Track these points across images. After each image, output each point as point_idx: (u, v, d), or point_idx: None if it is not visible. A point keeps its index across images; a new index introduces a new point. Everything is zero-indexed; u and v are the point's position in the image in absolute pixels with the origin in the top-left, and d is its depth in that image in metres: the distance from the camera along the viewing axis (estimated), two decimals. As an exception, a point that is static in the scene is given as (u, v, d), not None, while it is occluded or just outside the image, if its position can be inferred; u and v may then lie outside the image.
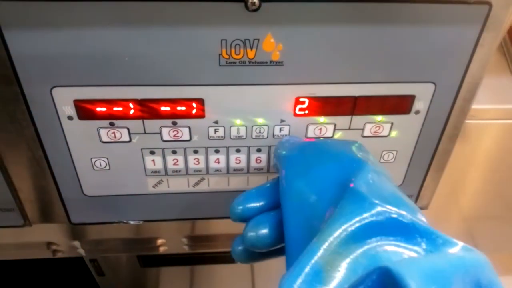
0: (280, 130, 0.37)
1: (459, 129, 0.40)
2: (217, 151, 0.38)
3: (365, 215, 0.23)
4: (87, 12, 0.29)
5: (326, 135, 0.38)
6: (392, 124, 0.38)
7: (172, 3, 0.29)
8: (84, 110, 0.34)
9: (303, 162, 0.30)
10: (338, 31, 0.32)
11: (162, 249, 0.54)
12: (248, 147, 0.38)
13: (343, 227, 0.22)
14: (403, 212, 0.23)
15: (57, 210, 0.41)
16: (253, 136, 0.37)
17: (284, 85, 0.34)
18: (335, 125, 0.37)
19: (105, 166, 0.38)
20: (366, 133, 0.38)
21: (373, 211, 0.23)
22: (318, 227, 0.24)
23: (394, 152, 0.40)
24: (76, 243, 0.52)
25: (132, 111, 0.34)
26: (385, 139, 0.39)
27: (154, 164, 0.38)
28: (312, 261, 0.22)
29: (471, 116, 0.50)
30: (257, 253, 0.32)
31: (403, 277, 0.18)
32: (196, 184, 0.41)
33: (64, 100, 0.33)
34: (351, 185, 0.25)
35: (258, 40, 0.31)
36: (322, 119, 0.37)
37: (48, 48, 0.30)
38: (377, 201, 0.23)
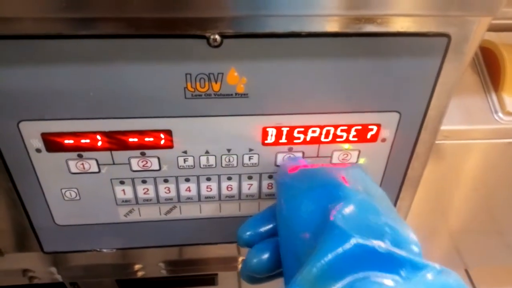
0: (250, 158, 0.38)
1: (427, 155, 0.41)
2: (187, 180, 0.38)
3: (340, 249, 0.23)
4: (51, 48, 0.30)
5: (295, 163, 0.38)
6: (359, 151, 0.38)
7: (136, 40, 0.30)
8: (52, 143, 0.34)
9: (295, 189, 0.31)
10: (301, 65, 0.32)
11: (140, 274, 0.54)
12: (219, 176, 0.39)
13: (322, 262, 0.23)
14: (380, 243, 0.24)
15: (29, 239, 0.41)
16: (223, 165, 0.38)
17: (250, 116, 0.35)
18: (303, 153, 0.38)
19: (75, 197, 0.38)
20: (335, 160, 0.39)
21: (349, 245, 0.23)
22: (304, 255, 0.25)
23: (364, 178, 0.40)
24: (53, 269, 0.52)
25: (99, 143, 0.35)
26: (353, 166, 0.39)
27: (124, 194, 0.38)
28: None
29: (445, 137, 0.51)
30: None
31: None
32: (168, 212, 0.41)
33: (32, 133, 0.34)
34: (331, 217, 0.25)
35: (222, 74, 0.32)
36: (290, 147, 0.37)
37: (14, 83, 0.31)
38: (354, 234, 0.24)
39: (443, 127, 0.48)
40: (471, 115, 0.51)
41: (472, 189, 0.59)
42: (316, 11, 0.29)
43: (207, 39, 0.30)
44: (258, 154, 0.37)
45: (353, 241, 0.23)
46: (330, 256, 0.23)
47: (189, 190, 0.39)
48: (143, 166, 0.37)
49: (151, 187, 0.38)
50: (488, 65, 0.53)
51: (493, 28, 0.55)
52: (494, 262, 0.86)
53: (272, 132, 0.36)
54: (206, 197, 0.40)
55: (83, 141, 0.34)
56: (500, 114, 0.50)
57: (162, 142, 0.35)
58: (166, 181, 0.38)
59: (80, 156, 0.35)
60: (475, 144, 0.52)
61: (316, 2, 0.28)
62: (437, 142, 0.50)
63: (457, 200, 0.61)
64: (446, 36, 0.32)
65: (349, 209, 0.26)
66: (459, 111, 0.51)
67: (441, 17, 0.31)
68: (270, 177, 0.39)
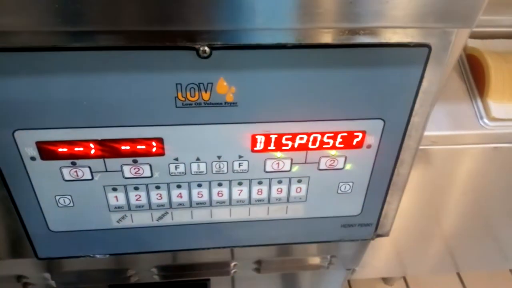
0: (239, 165, 0.39)
1: (412, 160, 0.42)
2: (179, 186, 0.39)
3: None
4: (46, 60, 0.30)
5: (284, 169, 0.39)
6: (346, 157, 0.39)
7: (129, 52, 0.31)
8: (46, 151, 0.35)
9: None
10: (288, 75, 0.33)
11: (132, 279, 0.54)
12: (209, 182, 0.40)
13: None
14: None
15: (24, 245, 0.42)
16: (214, 171, 0.39)
17: (239, 124, 0.36)
18: (291, 159, 0.39)
19: (69, 203, 0.39)
20: (322, 166, 0.40)
21: None
22: None
23: (350, 184, 0.42)
24: (47, 275, 0.52)
25: (92, 151, 0.36)
26: (340, 171, 0.40)
27: (117, 200, 0.39)
28: None
29: (433, 143, 0.52)
30: None
31: None
32: (160, 218, 0.42)
33: (27, 142, 0.34)
34: None
35: (212, 83, 0.33)
36: (278, 154, 0.38)
37: (9, 93, 0.32)
38: None
39: (430, 133, 0.50)
40: (458, 121, 0.52)
41: (461, 193, 0.60)
42: (300, 25, 0.30)
43: (197, 50, 0.31)
44: (248, 161, 0.38)
45: None
46: None
47: (181, 196, 0.40)
48: (135, 173, 0.38)
49: (143, 194, 0.39)
50: (473, 72, 0.54)
51: (478, 36, 0.56)
52: (486, 266, 0.87)
53: (261, 139, 0.37)
54: (197, 203, 0.41)
55: (76, 149, 0.35)
56: (486, 120, 0.51)
57: (154, 149, 0.36)
58: (158, 187, 0.39)
59: (73, 164, 0.36)
60: (461, 149, 0.53)
61: (300, 15, 0.30)
62: (425, 147, 0.51)
63: (448, 204, 0.62)
64: (427, 46, 0.33)
65: None
66: (446, 117, 0.52)
67: (421, 29, 0.32)
68: (260, 183, 0.40)
